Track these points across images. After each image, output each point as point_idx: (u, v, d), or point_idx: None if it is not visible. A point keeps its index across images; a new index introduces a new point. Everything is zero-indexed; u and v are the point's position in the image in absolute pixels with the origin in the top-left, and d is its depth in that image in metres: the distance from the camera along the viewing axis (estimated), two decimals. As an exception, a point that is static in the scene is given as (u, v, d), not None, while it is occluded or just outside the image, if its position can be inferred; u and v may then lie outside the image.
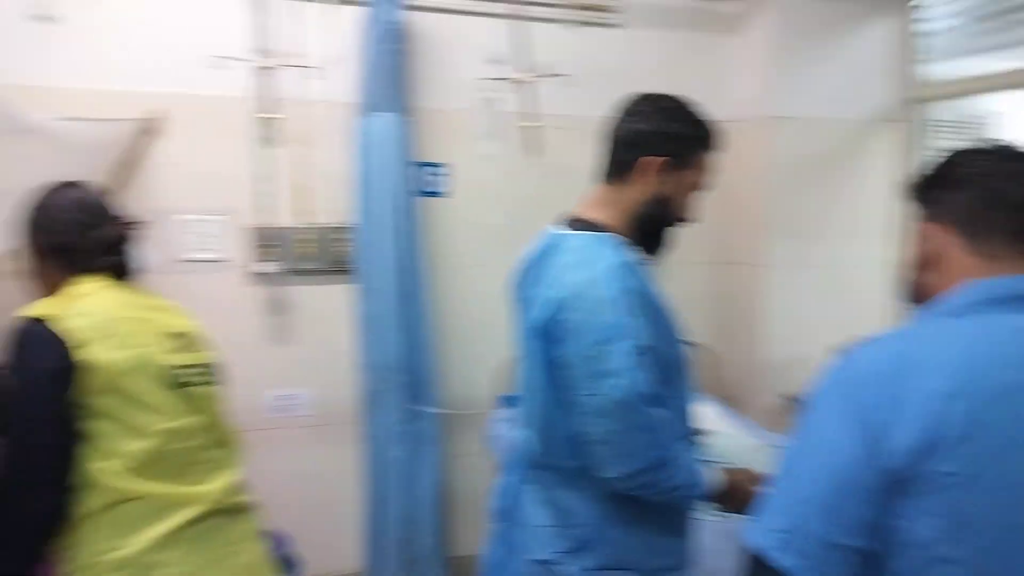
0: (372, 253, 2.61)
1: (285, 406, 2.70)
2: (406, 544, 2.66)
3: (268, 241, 2.61)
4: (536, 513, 1.30)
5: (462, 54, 2.73)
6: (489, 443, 2.53)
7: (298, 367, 2.70)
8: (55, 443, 1.17)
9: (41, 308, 1.23)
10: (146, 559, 1.22)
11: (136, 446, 1.22)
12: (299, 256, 2.66)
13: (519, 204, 2.80)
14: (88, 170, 2.04)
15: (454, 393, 2.83)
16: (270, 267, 2.61)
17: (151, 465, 1.24)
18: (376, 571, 2.71)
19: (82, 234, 1.34)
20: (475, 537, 2.84)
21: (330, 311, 2.72)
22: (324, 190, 2.66)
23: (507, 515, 1.44)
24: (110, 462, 1.21)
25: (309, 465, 2.73)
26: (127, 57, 2.42)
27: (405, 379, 2.64)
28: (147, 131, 2.40)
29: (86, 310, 1.24)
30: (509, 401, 2.48)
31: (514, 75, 2.64)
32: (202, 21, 2.50)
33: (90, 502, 1.21)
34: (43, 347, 1.17)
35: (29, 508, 1.17)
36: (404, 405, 2.65)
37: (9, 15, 2.23)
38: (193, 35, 2.48)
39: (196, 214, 2.54)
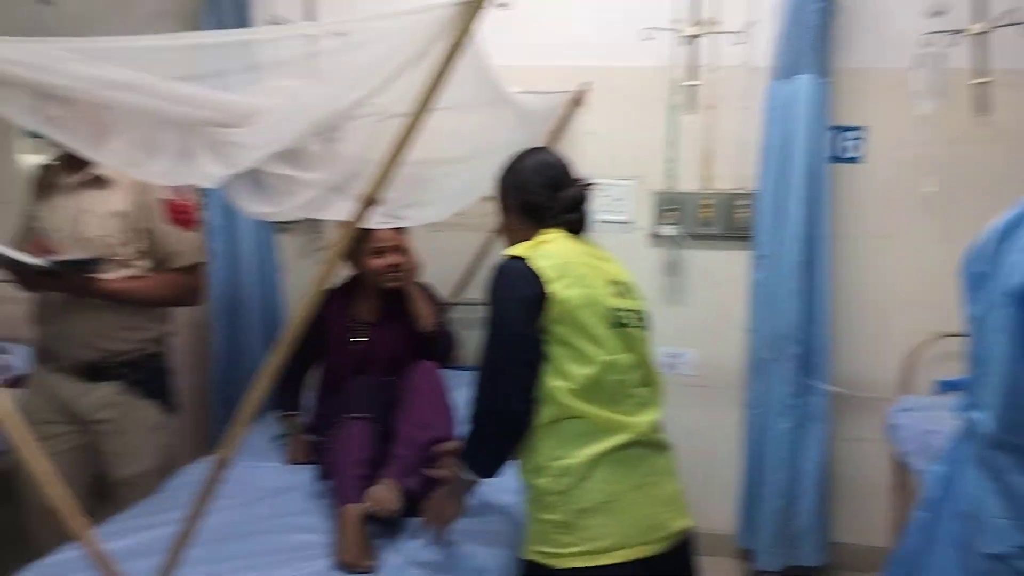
0: (774, 220, 2.57)
1: (672, 363, 2.82)
2: (783, 518, 2.62)
3: (670, 205, 2.73)
4: (987, 503, 1.19)
5: (897, 6, 2.51)
6: (889, 432, 2.35)
7: (687, 327, 2.79)
8: (525, 358, 1.39)
9: (517, 250, 1.47)
10: (583, 471, 1.40)
11: (582, 371, 1.40)
12: (699, 220, 2.73)
13: (956, 170, 2.51)
14: (532, 138, 2.36)
15: (850, 372, 2.67)
16: (670, 230, 2.73)
17: (592, 390, 1.41)
18: (750, 538, 2.72)
19: (549, 195, 1.56)
20: (860, 526, 2.69)
21: (723, 275, 2.76)
22: (730, 156, 2.69)
23: (935, 505, 1.34)
24: (562, 382, 1.40)
25: (689, 423, 2.82)
26: (564, 36, 2.70)
27: (797, 351, 2.57)
28: (575, 102, 2.67)
29: (549, 253, 1.45)
30: (948, 386, 2.29)
31: (963, 27, 2.33)
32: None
33: (545, 414, 1.42)
34: (520, 279, 1.41)
35: (503, 412, 1.40)
36: (794, 378, 2.58)
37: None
38: (621, 11, 2.67)
39: (609, 179, 2.76)
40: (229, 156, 1.49)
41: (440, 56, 1.17)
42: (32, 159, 2.74)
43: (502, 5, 2.66)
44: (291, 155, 1.60)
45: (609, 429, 1.42)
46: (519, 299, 1.40)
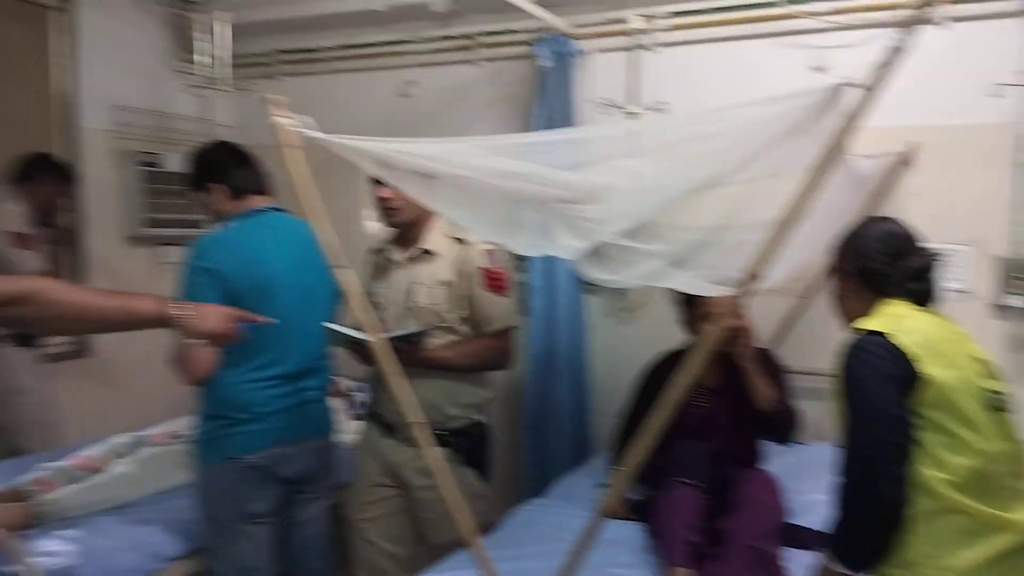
0: None
1: None
2: None
3: (1019, 273, 2.44)
4: None
5: None
6: None
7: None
8: (897, 441, 1.30)
9: (874, 324, 1.41)
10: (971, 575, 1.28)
11: (960, 461, 1.30)
12: (1054, 291, 2.40)
13: None
14: (857, 201, 2.28)
15: None
16: (1020, 301, 2.44)
17: (972, 482, 1.30)
18: None
19: (891, 263, 1.50)
20: None
21: (1089, 355, 2.39)
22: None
23: None
24: (938, 472, 1.30)
25: None
26: (888, 95, 2.57)
27: None
28: (903, 163, 2.53)
29: (911, 329, 1.37)
30: None
31: None
32: (968, 52, 2.48)
33: (919, 505, 1.31)
34: (886, 357, 1.33)
35: (876, 499, 1.30)
36: None
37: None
38: (954, 67, 2.49)
39: (939, 243, 2.53)
40: (584, 231, 1.66)
41: (832, 136, 1.21)
42: (374, 226, 3.21)
43: (820, 69, 2.65)
44: (633, 228, 1.73)
45: (993, 528, 1.30)
46: (886, 378, 1.33)
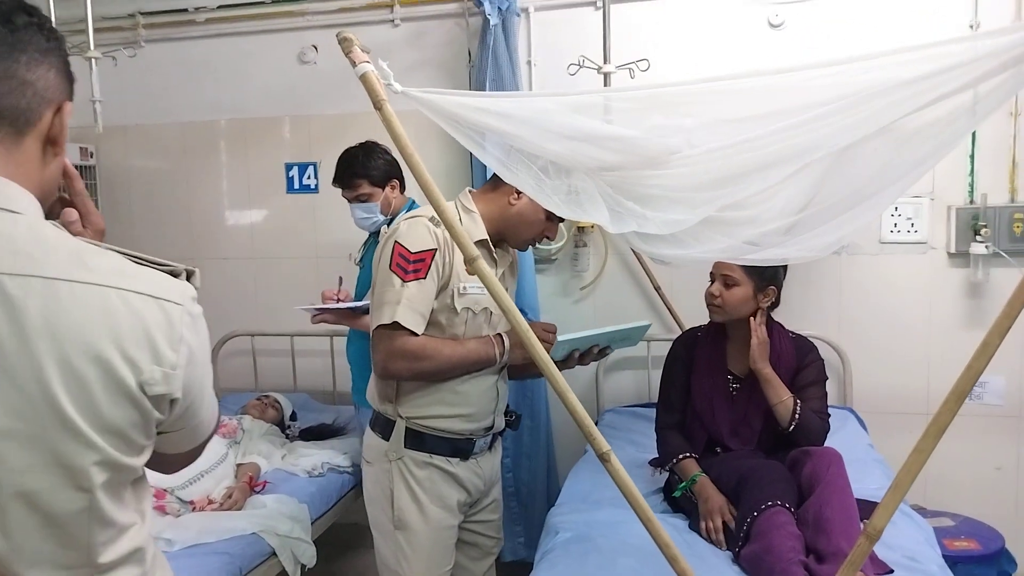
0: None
1: (976, 393, 2.59)
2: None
3: (975, 222, 2.52)
4: None
5: None
6: None
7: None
8: None
9: None
10: None
11: None
12: (1011, 237, 2.51)
13: None
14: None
15: None
16: (976, 248, 2.52)
17: None
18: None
19: None
20: None
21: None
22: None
23: None
24: None
25: (995, 456, 2.61)
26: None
27: None
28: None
29: None
30: None
31: None
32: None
33: None
34: None
35: None
36: None
37: None
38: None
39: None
40: (668, 203, 1.42)
41: None
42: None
43: None
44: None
45: None
46: None
